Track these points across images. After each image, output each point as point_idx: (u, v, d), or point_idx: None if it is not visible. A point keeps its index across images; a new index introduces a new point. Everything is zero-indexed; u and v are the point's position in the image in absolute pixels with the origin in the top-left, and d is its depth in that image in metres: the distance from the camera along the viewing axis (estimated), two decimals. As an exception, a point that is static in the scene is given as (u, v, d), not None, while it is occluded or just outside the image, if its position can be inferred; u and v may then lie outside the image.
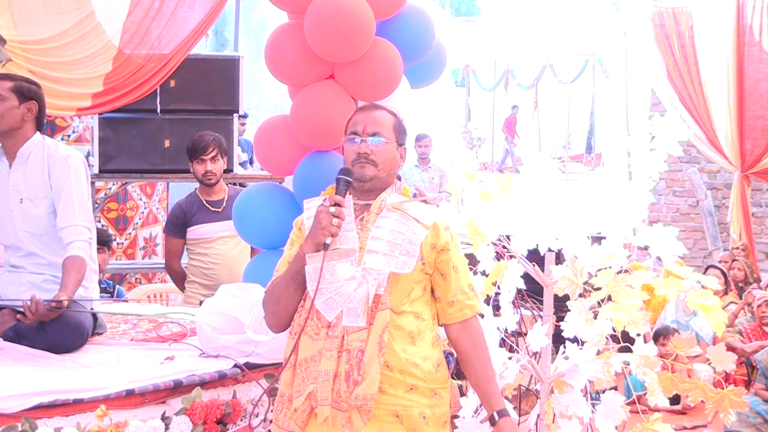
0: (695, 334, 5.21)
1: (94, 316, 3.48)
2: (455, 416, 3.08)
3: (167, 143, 5.56)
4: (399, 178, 2.72)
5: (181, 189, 6.61)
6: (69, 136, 6.21)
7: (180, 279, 4.90)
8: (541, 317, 3.31)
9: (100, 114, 5.37)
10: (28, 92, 3.39)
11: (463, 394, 3.53)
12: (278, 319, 2.64)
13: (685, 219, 10.64)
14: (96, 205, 5.93)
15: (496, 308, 3.35)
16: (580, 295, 3.08)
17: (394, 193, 2.64)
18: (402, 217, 2.57)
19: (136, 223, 6.84)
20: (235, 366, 3.02)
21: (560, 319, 3.15)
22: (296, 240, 2.69)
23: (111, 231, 6.58)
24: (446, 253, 2.60)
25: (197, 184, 4.86)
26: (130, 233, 6.80)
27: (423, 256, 2.57)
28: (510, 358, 3.20)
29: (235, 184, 5.58)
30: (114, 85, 5.10)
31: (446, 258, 2.60)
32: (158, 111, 5.52)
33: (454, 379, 2.62)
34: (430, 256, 2.58)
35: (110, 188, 6.39)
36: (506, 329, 3.31)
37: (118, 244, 6.68)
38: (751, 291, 7.29)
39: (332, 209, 2.52)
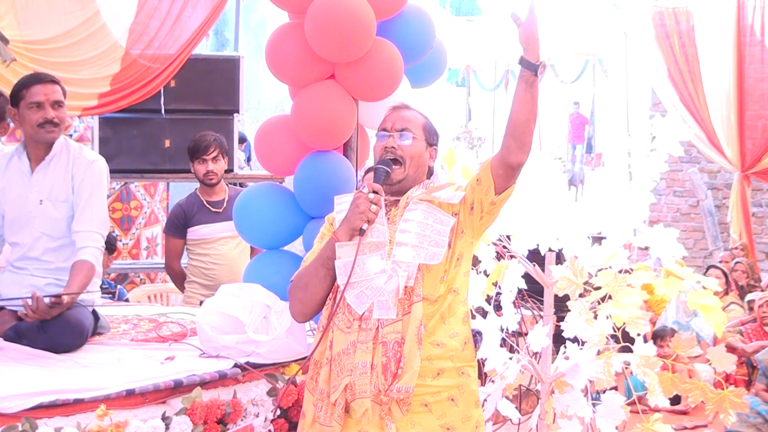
0: (696, 334, 5.23)
1: (96, 316, 3.48)
2: None
3: (167, 143, 5.55)
4: (430, 176, 2.72)
5: (181, 189, 6.60)
6: (71, 135, 6.20)
7: (180, 279, 4.90)
8: (542, 317, 3.31)
9: (101, 114, 5.36)
10: None
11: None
12: (304, 307, 2.63)
13: (686, 219, 10.63)
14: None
15: (497, 308, 3.35)
16: (580, 295, 3.08)
17: (421, 189, 2.64)
18: (429, 208, 2.58)
19: (140, 223, 6.84)
20: (236, 366, 3.01)
21: (561, 319, 3.16)
22: (326, 234, 2.69)
23: (117, 231, 6.57)
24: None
25: (197, 185, 4.86)
26: (134, 233, 6.80)
27: (449, 241, 2.55)
28: (511, 358, 3.21)
29: (235, 184, 5.58)
30: (121, 85, 5.09)
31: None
32: (162, 111, 5.52)
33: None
34: (459, 232, 2.57)
35: (114, 188, 6.39)
36: (507, 329, 3.32)
37: (123, 244, 6.68)
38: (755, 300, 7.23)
39: (371, 195, 2.53)
